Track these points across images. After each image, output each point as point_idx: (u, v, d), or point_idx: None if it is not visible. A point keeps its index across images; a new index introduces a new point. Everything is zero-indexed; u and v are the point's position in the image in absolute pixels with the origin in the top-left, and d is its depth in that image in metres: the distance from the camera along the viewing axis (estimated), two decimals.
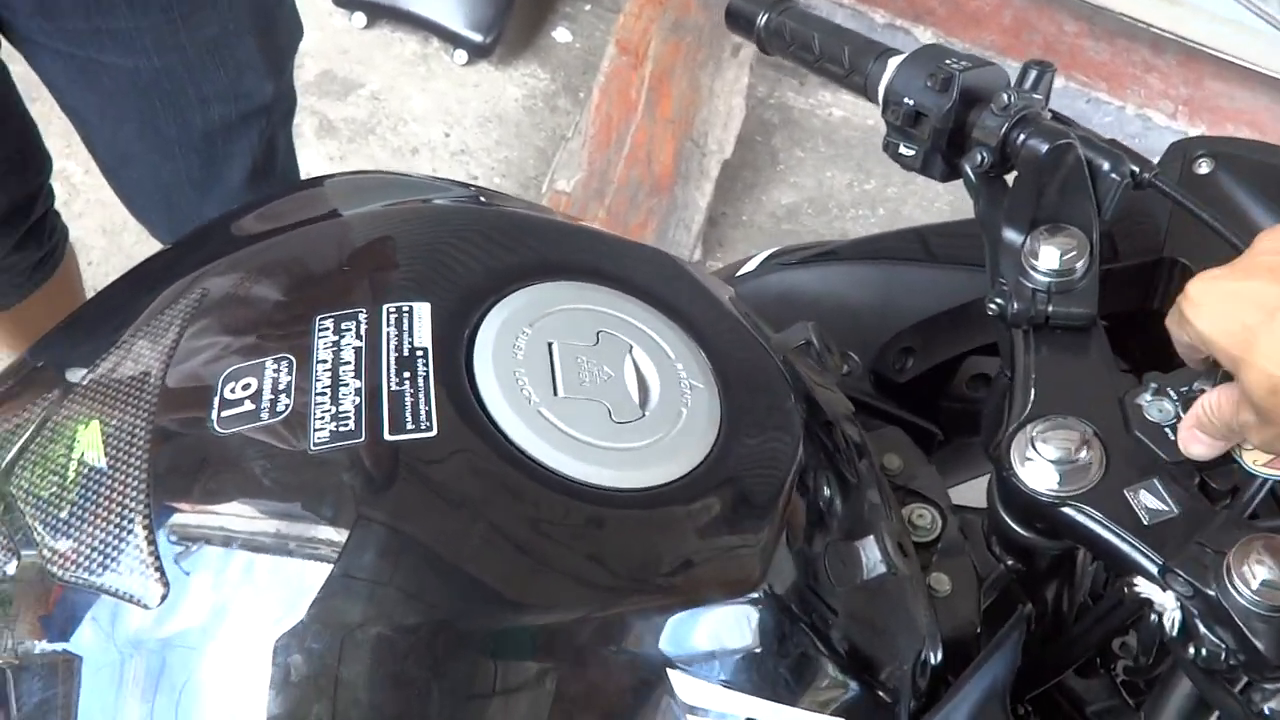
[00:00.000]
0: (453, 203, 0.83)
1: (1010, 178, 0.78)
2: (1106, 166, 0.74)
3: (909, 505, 0.78)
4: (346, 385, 0.61)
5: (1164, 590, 0.62)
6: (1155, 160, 0.78)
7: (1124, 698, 0.79)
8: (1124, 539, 0.64)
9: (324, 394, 0.61)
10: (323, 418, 0.60)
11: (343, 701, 0.55)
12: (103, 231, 2.25)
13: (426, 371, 0.62)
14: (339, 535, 0.57)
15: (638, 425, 0.64)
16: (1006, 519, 0.71)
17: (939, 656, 0.69)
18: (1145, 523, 0.64)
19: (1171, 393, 0.68)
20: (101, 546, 0.59)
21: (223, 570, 0.58)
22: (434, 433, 0.60)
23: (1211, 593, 0.59)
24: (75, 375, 0.67)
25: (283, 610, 0.56)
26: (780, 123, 2.63)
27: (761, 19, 0.91)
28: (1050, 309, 0.74)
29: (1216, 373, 0.66)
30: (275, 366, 0.62)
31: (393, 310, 0.65)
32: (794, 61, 0.90)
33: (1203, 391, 0.65)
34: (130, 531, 0.58)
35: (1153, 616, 0.64)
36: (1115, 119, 2.54)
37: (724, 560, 0.62)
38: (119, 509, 0.59)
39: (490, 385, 0.63)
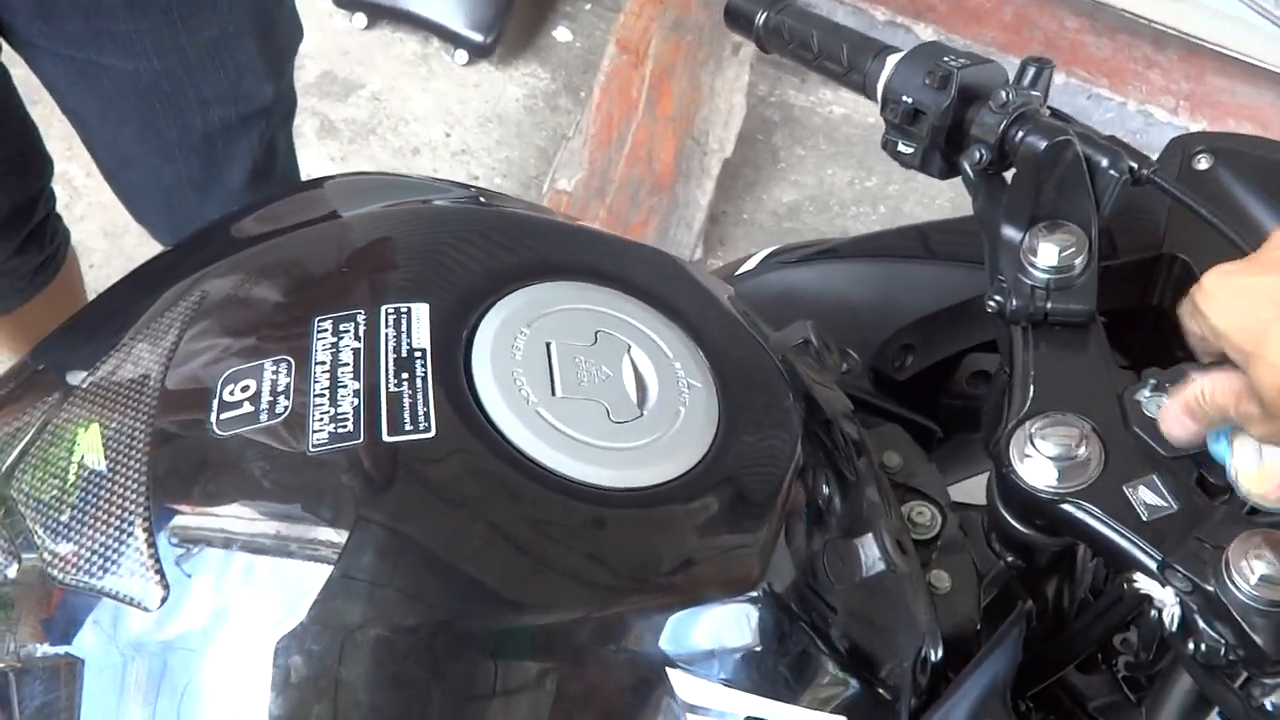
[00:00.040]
0: (452, 203, 0.83)
1: (1009, 175, 0.78)
2: (1105, 163, 0.74)
3: (909, 503, 0.78)
4: (345, 386, 0.61)
5: (1163, 586, 0.62)
6: (1155, 156, 0.78)
7: (1125, 693, 0.79)
8: (1123, 535, 0.64)
9: (322, 395, 0.61)
10: (321, 419, 0.60)
11: (343, 702, 0.56)
12: (105, 234, 2.25)
13: (425, 372, 0.62)
14: (338, 536, 0.57)
15: (636, 425, 0.64)
16: (1006, 516, 0.71)
17: (939, 653, 0.69)
18: (1144, 518, 0.64)
19: (1170, 389, 0.68)
20: (102, 549, 0.59)
21: (223, 572, 0.58)
22: (432, 433, 0.60)
23: (1210, 588, 0.59)
24: (76, 378, 0.67)
25: (283, 612, 0.56)
26: (781, 120, 2.62)
27: (760, 17, 0.91)
28: (1049, 306, 0.74)
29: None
30: (274, 368, 0.62)
31: (391, 311, 0.65)
32: (793, 60, 0.90)
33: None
34: (130, 534, 0.59)
35: (1152, 612, 0.64)
36: (1117, 115, 2.54)
37: (723, 559, 0.62)
38: (119, 512, 0.59)
39: (488, 386, 0.63)
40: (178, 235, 1.33)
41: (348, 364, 0.62)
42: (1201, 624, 0.61)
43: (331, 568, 0.56)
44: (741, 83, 2.46)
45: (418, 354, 0.63)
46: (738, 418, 0.67)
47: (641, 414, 0.65)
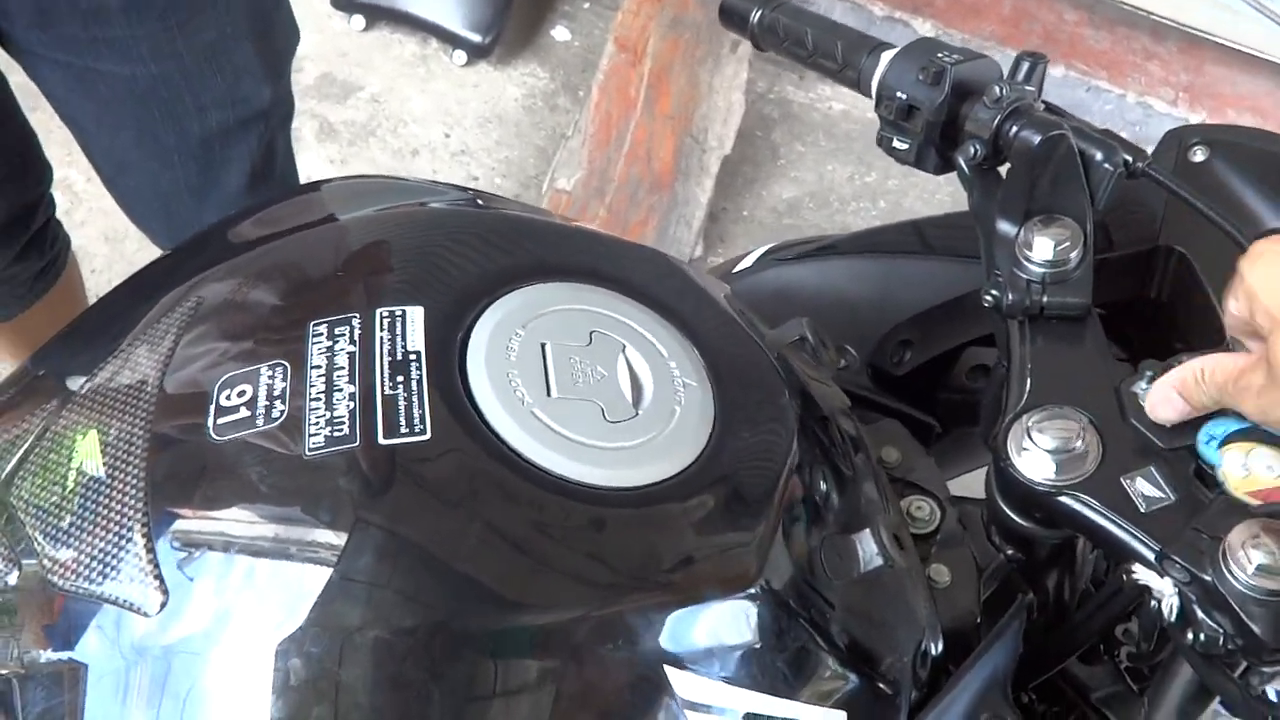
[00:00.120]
0: (448, 206, 0.83)
1: (1004, 169, 0.78)
2: (1099, 156, 0.74)
3: (907, 497, 0.78)
4: (340, 390, 0.61)
5: (1162, 577, 0.63)
6: (1152, 149, 0.77)
7: (1128, 684, 0.79)
8: (1121, 527, 0.64)
9: (319, 399, 0.61)
10: (317, 423, 0.60)
11: (344, 704, 0.56)
12: (105, 239, 2.26)
13: (420, 375, 0.62)
14: (337, 539, 0.57)
15: (631, 424, 0.64)
16: (1005, 509, 0.71)
17: (939, 647, 0.69)
18: (1142, 510, 0.64)
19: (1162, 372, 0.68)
20: (101, 555, 0.59)
21: (222, 576, 0.58)
22: (428, 435, 0.60)
23: (1208, 578, 0.60)
24: (75, 384, 0.68)
25: (283, 615, 0.56)
26: (780, 117, 2.63)
27: (755, 15, 0.91)
28: (1045, 299, 0.74)
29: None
30: (270, 373, 0.63)
31: (385, 314, 0.65)
32: (787, 57, 0.90)
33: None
34: (129, 540, 0.59)
35: (1152, 603, 0.64)
36: (1116, 107, 2.53)
37: (720, 557, 0.62)
38: (118, 518, 0.59)
39: (483, 387, 0.63)
40: (176, 239, 1.33)
41: (343, 368, 0.62)
42: (1200, 614, 0.61)
43: (330, 570, 0.56)
44: (740, 80, 2.46)
45: (413, 356, 0.63)
46: (733, 416, 0.67)
47: (637, 413, 0.65)
